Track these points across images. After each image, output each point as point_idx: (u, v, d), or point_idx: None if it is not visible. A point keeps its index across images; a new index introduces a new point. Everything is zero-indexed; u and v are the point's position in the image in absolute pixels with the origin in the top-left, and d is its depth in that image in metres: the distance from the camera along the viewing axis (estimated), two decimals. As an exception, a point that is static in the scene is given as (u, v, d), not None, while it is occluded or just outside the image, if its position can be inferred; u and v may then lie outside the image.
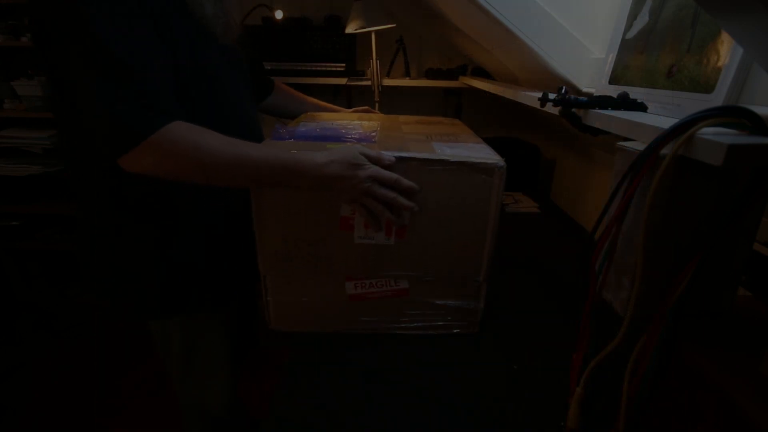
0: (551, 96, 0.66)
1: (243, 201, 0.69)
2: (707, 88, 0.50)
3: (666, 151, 0.40)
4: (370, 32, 1.63)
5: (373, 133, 0.78)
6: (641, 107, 0.59)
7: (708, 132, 0.38)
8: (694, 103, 0.51)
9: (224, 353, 0.87)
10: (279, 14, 1.80)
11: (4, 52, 2.03)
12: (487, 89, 1.39)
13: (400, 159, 0.66)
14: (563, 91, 0.64)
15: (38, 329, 1.99)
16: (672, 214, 0.45)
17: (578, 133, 0.65)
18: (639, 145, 0.47)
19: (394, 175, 0.65)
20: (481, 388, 0.67)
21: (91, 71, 0.57)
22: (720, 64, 0.49)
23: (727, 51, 0.48)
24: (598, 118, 0.59)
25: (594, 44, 0.85)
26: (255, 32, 1.82)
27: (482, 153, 0.70)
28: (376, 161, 0.65)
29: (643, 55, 0.64)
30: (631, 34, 0.69)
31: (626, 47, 0.69)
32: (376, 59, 1.71)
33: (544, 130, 1.73)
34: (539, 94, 0.68)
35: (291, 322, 0.80)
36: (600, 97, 0.61)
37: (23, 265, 2.14)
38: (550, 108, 0.68)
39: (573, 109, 0.63)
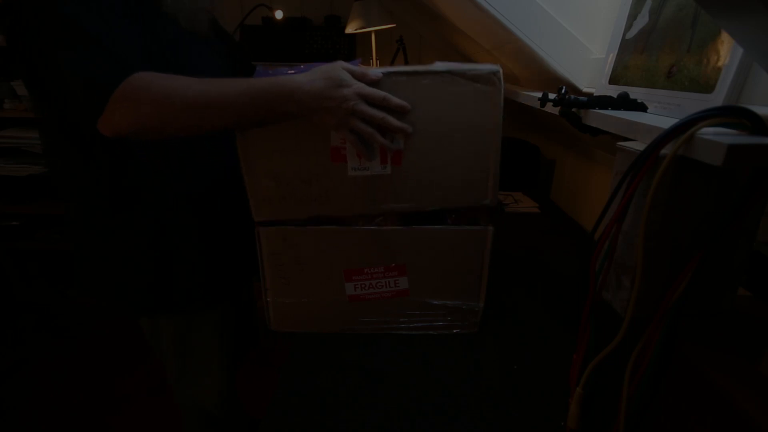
0: (551, 96, 0.66)
1: (235, 197, 0.68)
2: (707, 88, 0.50)
3: (666, 151, 0.40)
4: (370, 32, 1.63)
5: (358, 60, 0.75)
6: (641, 107, 0.59)
7: (708, 132, 0.38)
8: (694, 103, 0.51)
9: (217, 351, 0.87)
10: (279, 14, 1.80)
11: (4, 53, 2.03)
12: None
13: (387, 74, 0.61)
14: (563, 91, 0.64)
15: (38, 329, 1.99)
16: (672, 214, 0.45)
17: (578, 133, 0.65)
18: (639, 145, 0.47)
19: (381, 93, 0.60)
20: (481, 388, 0.67)
21: (61, 45, 0.57)
22: (720, 64, 0.49)
23: (727, 51, 0.48)
24: (598, 118, 0.59)
25: (594, 44, 0.85)
26: (255, 32, 1.82)
27: (477, 66, 0.63)
28: (360, 77, 0.60)
29: (643, 55, 0.64)
30: (631, 34, 0.69)
31: (626, 47, 0.69)
32: (376, 59, 1.71)
33: (544, 130, 1.73)
34: (539, 94, 0.68)
35: (291, 323, 0.80)
36: (600, 97, 0.61)
37: (23, 265, 2.14)
38: (550, 108, 0.68)
39: (573, 109, 0.63)
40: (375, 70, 0.61)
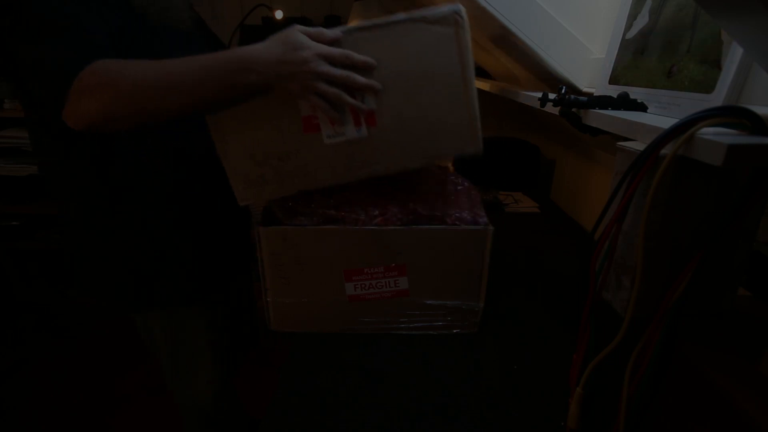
0: (551, 96, 0.66)
1: (218, 187, 0.67)
2: (707, 88, 0.50)
3: (666, 151, 0.40)
4: (370, 32, 1.63)
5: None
6: (641, 107, 0.59)
7: (708, 132, 0.38)
8: (694, 103, 0.51)
9: (208, 345, 0.86)
10: (279, 14, 1.80)
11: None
12: (487, 89, 1.39)
13: (346, 31, 0.59)
14: (563, 91, 0.64)
15: (38, 329, 1.99)
16: (672, 214, 0.45)
17: (578, 133, 0.65)
18: (639, 145, 0.47)
19: (342, 50, 0.58)
20: (481, 388, 0.67)
21: (30, 38, 0.57)
22: (720, 64, 0.49)
23: (727, 51, 0.48)
24: (598, 118, 0.59)
25: (594, 44, 0.85)
26: (255, 32, 1.82)
27: (437, 8, 0.60)
28: (317, 37, 0.58)
29: (643, 55, 0.64)
30: (631, 34, 0.69)
31: (626, 47, 0.69)
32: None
33: (544, 130, 1.73)
34: (539, 94, 0.68)
35: (291, 323, 0.80)
36: (600, 97, 0.61)
37: (23, 265, 2.14)
38: (550, 108, 0.68)
39: (573, 109, 0.63)
40: (333, 29, 0.59)
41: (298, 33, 0.57)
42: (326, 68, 0.57)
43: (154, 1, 0.69)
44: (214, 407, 0.91)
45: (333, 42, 0.59)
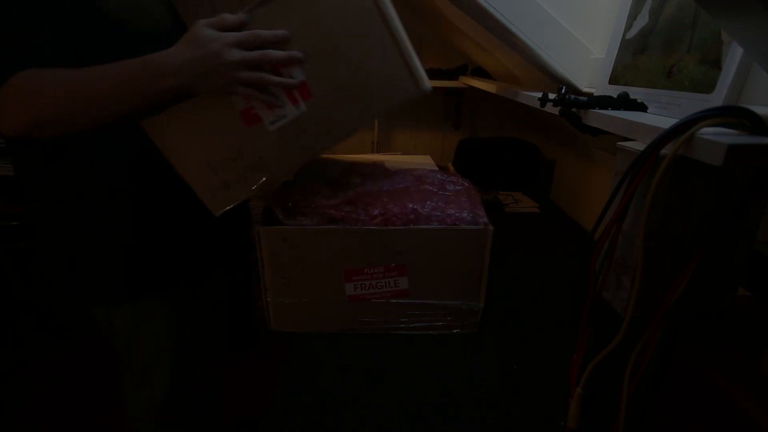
0: (551, 96, 0.66)
1: (167, 181, 0.67)
2: (707, 88, 0.50)
3: (666, 151, 0.40)
4: (370, 32, 1.62)
5: None
6: (641, 107, 0.59)
7: (708, 132, 0.38)
8: (694, 103, 0.51)
9: (167, 344, 0.82)
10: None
11: None
12: (487, 89, 1.39)
13: (248, 11, 0.58)
14: (563, 91, 0.64)
15: (38, 329, 1.99)
16: (672, 214, 0.45)
17: (578, 133, 0.65)
18: (639, 145, 0.47)
19: (250, 32, 0.57)
20: (481, 388, 0.67)
21: None
22: (720, 64, 0.49)
23: (727, 51, 0.48)
24: (598, 118, 0.59)
25: (594, 44, 0.85)
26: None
27: None
28: (221, 25, 0.57)
29: (643, 55, 0.64)
30: (631, 34, 0.69)
31: (626, 47, 0.69)
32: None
33: (544, 130, 1.73)
34: (539, 94, 0.68)
35: (291, 323, 0.80)
36: (600, 97, 0.61)
37: (23, 265, 2.14)
38: (550, 108, 0.68)
39: (573, 109, 0.63)
40: (234, 15, 0.58)
41: (202, 27, 0.56)
42: (239, 55, 0.56)
43: (123, 4, 0.66)
44: (161, 406, 0.86)
45: (240, 26, 0.57)
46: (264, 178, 0.65)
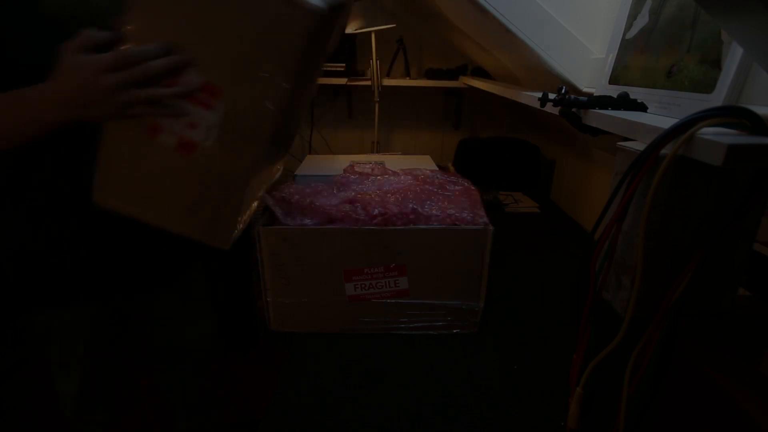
0: (551, 96, 0.66)
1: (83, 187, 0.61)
2: (707, 88, 0.50)
3: (666, 151, 0.40)
4: (370, 32, 1.63)
5: None
6: (641, 107, 0.59)
7: (708, 132, 0.38)
8: (694, 103, 0.51)
9: (80, 352, 0.79)
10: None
11: None
12: (487, 89, 1.39)
13: (120, 23, 0.50)
14: (563, 91, 0.64)
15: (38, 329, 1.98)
16: (672, 214, 0.45)
17: (578, 133, 0.65)
18: (639, 145, 0.47)
19: (120, 50, 0.50)
20: (481, 388, 0.67)
21: None
22: (720, 64, 0.49)
23: (727, 51, 0.48)
24: (598, 118, 0.59)
25: (594, 44, 0.85)
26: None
27: None
28: (90, 45, 0.50)
29: (643, 55, 0.64)
30: (631, 34, 0.69)
31: (626, 47, 0.69)
32: (376, 59, 1.71)
33: (544, 130, 1.73)
34: (539, 94, 0.68)
35: (291, 323, 0.80)
36: (600, 97, 0.61)
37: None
38: (550, 108, 0.68)
39: (573, 109, 0.63)
40: (102, 33, 0.51)
41: (72, 54, 0.50)
42: (113, 78, 0.49)
43: (65, 6, 0.58)
44: (72, 412, 0.84)
45: (109, 42, 0.50)
46: (245, 189, 0.58)
